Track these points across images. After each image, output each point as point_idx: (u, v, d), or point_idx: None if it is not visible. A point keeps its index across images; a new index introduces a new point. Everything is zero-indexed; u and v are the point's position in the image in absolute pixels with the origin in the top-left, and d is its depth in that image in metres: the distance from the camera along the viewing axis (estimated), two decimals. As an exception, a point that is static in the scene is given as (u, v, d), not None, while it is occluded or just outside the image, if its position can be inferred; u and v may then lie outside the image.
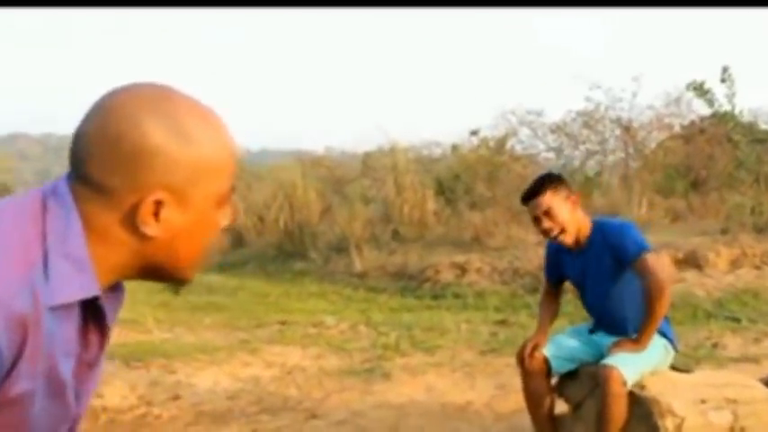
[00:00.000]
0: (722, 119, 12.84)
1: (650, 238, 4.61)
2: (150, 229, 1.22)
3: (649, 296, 3.85)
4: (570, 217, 4.02)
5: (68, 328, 1.21)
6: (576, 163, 15.14)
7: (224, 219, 1.33)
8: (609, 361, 3.80)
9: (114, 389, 6.10)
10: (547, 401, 4.19)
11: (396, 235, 13.77)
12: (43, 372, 1.17)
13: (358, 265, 12.70)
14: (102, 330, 1.29)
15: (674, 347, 4.16)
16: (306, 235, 14.86)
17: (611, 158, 15.41)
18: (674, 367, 4.19)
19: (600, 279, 4.10)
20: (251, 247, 16.83)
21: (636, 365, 3.82)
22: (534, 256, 11.08)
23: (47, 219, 1.19)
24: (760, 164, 12.60)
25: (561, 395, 4.31)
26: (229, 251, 17.57)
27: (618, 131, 14.61)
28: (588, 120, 14.93)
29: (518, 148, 16.11)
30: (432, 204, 14.29)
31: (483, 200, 14.21)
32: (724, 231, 10.73)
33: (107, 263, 1.23)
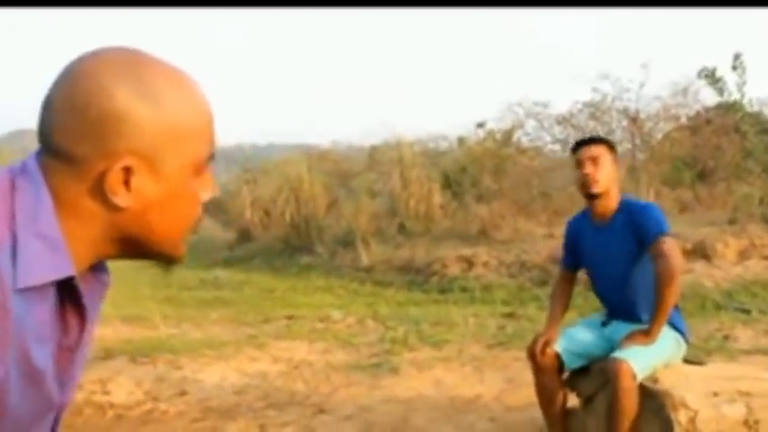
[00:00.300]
0: (731, 108, 12.74)
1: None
2: (121, 198, 1.15)
3: (659, 281, 3.81)
4: (609, 177, 4.09)
5: (42, 312, 1.13)
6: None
7: (204, 191, 1.26)
8: (619, 355, 3.75)
9: (121, 385, 6.08)
10: (559, 397, 4.15)
11: (402, 229, 13.74)
12: (16, 359, 1.09)
13: (364, 259, 12.67)
14: (81, 313, 1.22)
15: (686, 340, 4.10)
16: (312, 229, 14.85)
17: (617, 149, 15.31)
18: (686, 360, 4.13)
19: (618, 260, 4.08)
20: (257, 241, 16.83)
21: (646, 359, 3.77)
22: (542, 248, 11.05)
23: (15, 197, 1.12)
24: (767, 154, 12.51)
25: (572, 389, 4.26)
26: (236, 246, 17.57)
27: (625, 122, 14.51)
28: (595, 111, 14.83)
29: (524, 141, 16.03)
30: (438, 198, 14.26)
31: (489, 193, 14.17)
32: (732, 222, 10.67)
33: (81, 238, 1.17)
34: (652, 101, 14.47)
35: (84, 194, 1.15)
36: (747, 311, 7.78)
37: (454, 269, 11.23)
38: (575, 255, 4.39)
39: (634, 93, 14.30)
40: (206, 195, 1.27)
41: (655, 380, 3.81)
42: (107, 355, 6.75)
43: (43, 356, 1.15)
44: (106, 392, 5.98)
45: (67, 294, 1.18)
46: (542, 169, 15.01)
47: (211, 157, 1.25)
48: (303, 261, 13.94)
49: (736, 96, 12.21)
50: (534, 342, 4.14)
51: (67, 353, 1.23)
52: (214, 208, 21.37)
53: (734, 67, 11.77)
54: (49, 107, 1.16)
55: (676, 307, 4.05)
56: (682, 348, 4.06)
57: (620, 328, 4.07)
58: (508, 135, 15.94)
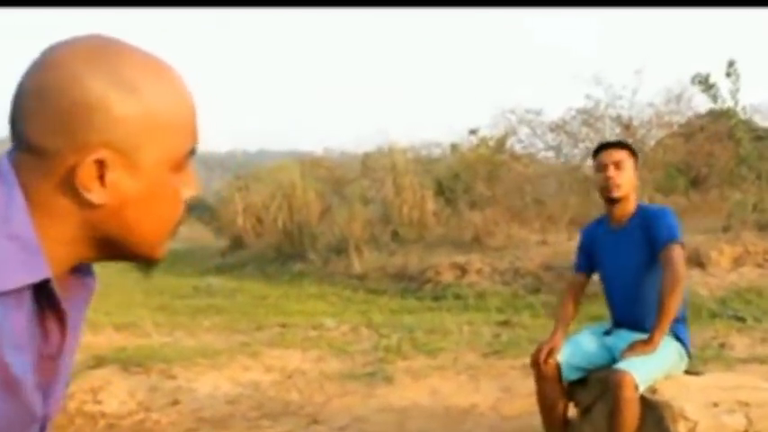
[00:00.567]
0: (724, 115, 12.74)
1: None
2: (95, 195, 1.08)
3: (663, 288, 3.84)
4: (630, 182, 4.15)
5: (18, 318, 1.05)
6: (576, 161, 15.05)
7: (186, 188, 1.19)
8: (621, 365, 3.73)
9: (112, 394, 6.04)
10: (560, 406, 4.14)
11: (395, 236, 13.70)
12: None
13: (357, 267, 12.62)
14: (61, 318, 1.14)
15: (689, 354, 4.09)
16: (305, 236, 14.80)
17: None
18: (684, 370, 4.11)
19: (631, 263, 4.11)
20: (250, 248, 16.78)
21: (648, 370, 3.75)
22: (535, 255, 11.03)
23: None
24: (761, 161, 12.51)
25: (570, 399, 4.23)
26: (228, 253, 17.52)
27: (618, 129, 14.51)
28: (588, 118, 14.85)
29: (517, 148, 16.06)
30: (431, 205, 14.22)
31: (483, 199, 14.15)
32: (726, 229, 10.65)
33: (56, 239, 1.10)
34: (645, 107, 14.52)
35: (56, 191, 1.08)
36: (742, 319, 7.76)
37: (448, 276, 11.19)
38: (589, 258, 4.40)
39: (627, 100, 14.34)
40: (188, 193, 1.20)
41: (654, 391, 3.78)
42: (98, 363, 6.69)
43: (21, 365, 1.06)
44: (98, 402, 5.93)
45: (45, 299, 1.11)
46: (535, 176, 15.02)
47: (193, 151, 1.18)
48: (296, 268, 13.89)
49: (729, 103, 12.20)
50: (538, 350, 4.12)
51: (49, 361, 1.15)
52: (206, 215, 21.33)
53: (728, 74, 11.76)
54: (19, 99, 1.10)
55: (683, 320, 4.05)
56: (683, 361, 4.05)
57: (622, 338, 4.05)
58: (501, 142, 15.95)
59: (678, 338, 4.01)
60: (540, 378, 4.13)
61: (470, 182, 14.71)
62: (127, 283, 11.10)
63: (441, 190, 14.75)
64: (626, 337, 4.03)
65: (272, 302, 11.10)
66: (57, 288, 1.11)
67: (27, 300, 1.07)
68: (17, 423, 1.10)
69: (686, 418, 3.64)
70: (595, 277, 4.49)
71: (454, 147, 16.82)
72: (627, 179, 4.12)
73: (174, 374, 6.49)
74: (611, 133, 14.47)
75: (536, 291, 10.05)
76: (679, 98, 14.42)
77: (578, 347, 4.18)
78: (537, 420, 4.32)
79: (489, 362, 6.73)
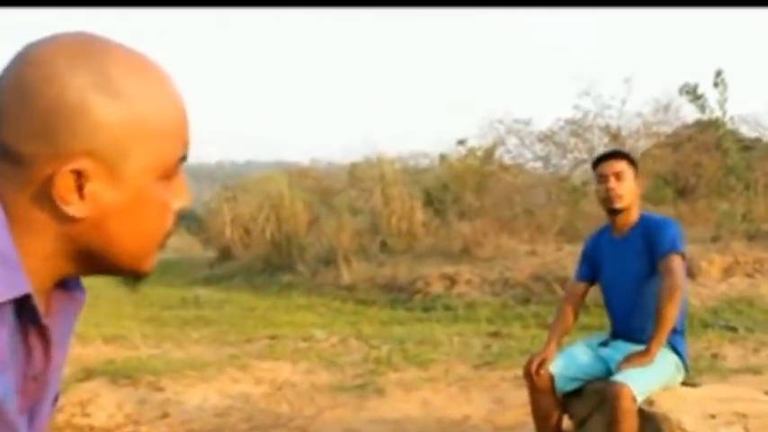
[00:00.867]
0: (712, 125, 12.77)
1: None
2: (73, 208, 1.00)
3: (661, 296, 3.83)
4: (632, 191, 4.14)
5: (1, 334, 0.98)
6: (565, 171, 15.06)
7: (176, 199, 1.10)
8: (618, 377, 3.70)
9: (101, 407, 5.98)
10: (554, 418, 4.11)
11: (384, 246, 13.64)
12: None
13: (346, 278, 12.57)
14: (44, 334, 1.06)
15: (686, 367, 4.07)
16: (293, 247, 14.73)
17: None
18: (681, 382, 4.08)
19: (631, 273, 4.10)
20: (237, 259, 16.70)
21: (646, 381, 3.72)
22: (525, 266, 11.00)
23: None
24: (749, 171, 12.53)
25: (565, 411, 4.19)
26: (216, 264, 17.44)
27: (606, 139, 14.53)
28: (576, 128, 14.87)
29: (506, 158, 16.05)
30: (420, 215, 14.18)
31: (472, 210, 14.12)
32: (715, 239, 10.65)
33: (35, 254, 1.01)
34: (633, 117, 14.54)
35: (33, 203, 1.00)
36: (734, 329, 7.75)
37: (437, 287, 11.15)
38: (591, 267, 4.38)
39: (616, 110, 14.36)
40: (178, 203, 1.11)
41: (651, 402, 3.75)
42: (87, 375, 6.63)
43: (2, 385, 0.99)
44: (86, 415, 5.87)
45: (27, 316, 1.03)
46: (524, 186, 15.01)
47: (183, 158, 1.10)
48: (284, 279, 13.82)
49: (717, 113, 12.22)
50: (530, 361, 4.09)
51: (33, 382, 1.08)
52: (194, 226, 21.25)
53: (715, 84, 11.78)
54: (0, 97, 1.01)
55: (680, 331, 4.03)
56: (680, 374, 4.03)
57: (618, 350, 4.03)
58: (489, 152, 15.94)
59: (675, 350, 3.98)
60: (534, 389, 4.11)
61: (459, 192, 14.69)
62: (115, 295, 11.02)
63: (429, 200, 14.72)
64: (623, 348, 4.01)
65: (261, 314, 11.04)
66: (38, 304, 1.03)
67: (8, 317, 0.99)
68: None
69: (684, 431, 3.61)
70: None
71: (443, 157, 16.79)
72: (628, 189, 4.11)
73: (162, 387, 6.43)
74: (600, 143, 14.50)
75: (526, 301, 10.02)
76: (667, 108, 14.46)
77: (572, 359, 4.15)
78: (530, 431, 4.28)
79: (481, 373, 6.68)
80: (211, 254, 18.67)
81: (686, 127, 14.58)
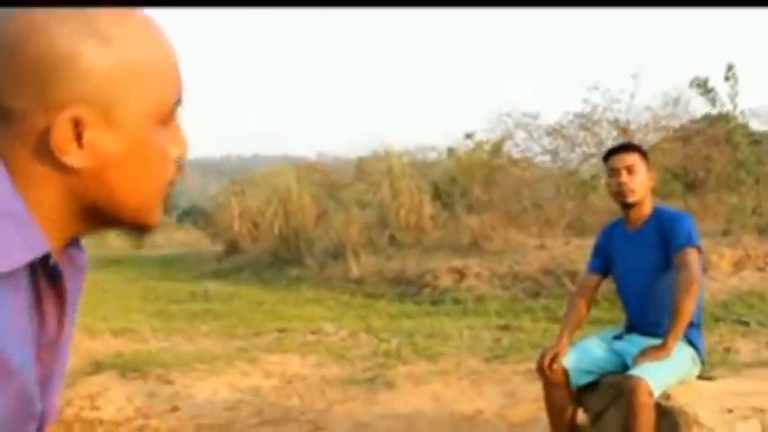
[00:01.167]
0: (723, 119, 12.70)
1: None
2: (72, 158, 0.97)
3: (678, 290, 3.78)
4: (644, 185, 4.10)
5: (17, 302, 0.95)
6: (573, 165, 15.00)
7: (173, 146, 1.08)
8: (635, 371, 3.66)
9: (110, 400, 5.96)
10: (569, 412, 4.07)
11: (393, 240, 13.62)
12: None
13: (355, 271, 12.54)
14: (61, 296, 1.04)
15: (702, 360, 4.03)
16: (301, 241, 14.71)
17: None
18: (697, 375, 4.05)
19: (645, 266, 4.06)
20: (246, 253, 16.69)
21: (662, 376, 3.68)
22: (534, 259, 10.96)
23: None
24: (759, 165, 12.48)
25: (580, 405, 4.15)
26: (224, 258, 17.43)
27: (615, 133, 14.47)
28: (585, 122, 14.81)
29: (514, 152, 15.99)
30: (428, 208, 14.15)
31: (480, 203, 14.08)
32: (726, 233, 10.61)
33: (41, 210, 0.98)
34: (642, 111, 14.47)
35: (32, 158, 0.97)
36: (746, 323, 7.70)
37: (446, 280, 11.12)
38: (604, 259, 4.34)
39: (625, 103, 14.30)
40: (176, 151, 1.09)
41: (667, 397, 3.72)
42: (96, 369, 6.61)
43: (20, 354, 0.96)
44: (95, 408, 5.85)
45: (44, 278, 1.01)
46: (533, 180, 14.97)
47: (179, 103, 1.07)
48: (293, 273, 13.80)
49: (728, 107, 12.15)
50: (543, 356, 4.05)
51: (48, 350, 1.05)
52: (202, 220, 21.24)
53: (726, 78, 11.70)
54: None
55: (697, 325, 3.99)
56: (697, 367, 3.99)
57: (634, 343, 3.99)
58: (498, 146, 15.89)
59: (692, 343, 3.95)
60: (548, 384, 4.07)
61: (467, 186, 14.65)
62: (124, 289, 11.03)
63: (438, 194, 14.69)
64: (638, 342, 3.97)
65: (270, 307, 11.01)
66: (58, 262, 1.00)
67: (23, 282, 0.97)
68: (18, 419, 1.00)
69: (701, 425, 3.58)
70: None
71: (451, 151, 16.75)
72: (640, 183, 4.07)
73: (171, 380, 6.42)
74: (608, 137, 14.44)
75: (536, 295, 9.97)
76: (676, 102, 14.39)
77: (586, 353, 4.11)
78: (544, 426, 4.25)
79: (492, 367, 6.64)
80: (219, 248, 18.67)
81: (694, 121, 14.52)
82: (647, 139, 14.60)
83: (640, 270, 4.08)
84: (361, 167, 17.53)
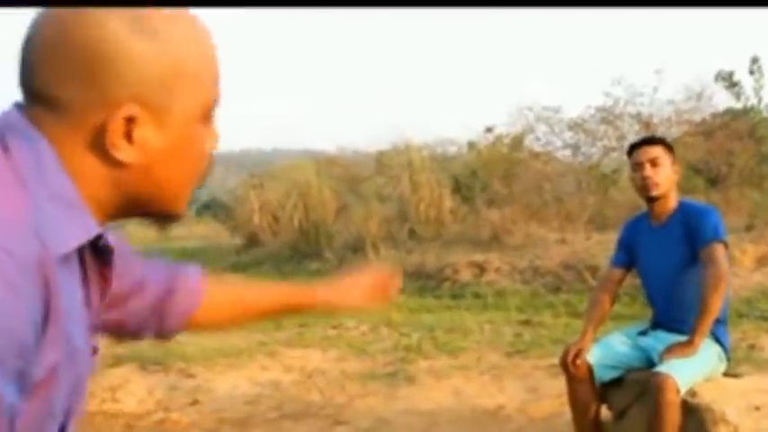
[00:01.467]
0: (746, 113, 12.59)
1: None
2: (123, 153, 1.00)
3: (706, 286, 3.72)
4: (669, 178, 4.03)
5: (72, 284, 0.99)
6: (595, 159, 14.92)
7: (210, 140, 1.11)
8: (661, 368, 3.62)
9: (131, 393, 5.96)
10: (593, 408, 4.03)
11: (412, 234, 13.58)
12: (64, 339, 0.96)
13: (374, 265, 12.50)
14: (106, 278, 1.09)
15: (728, 357, 3.98)
16: (321, 234, 14.69)
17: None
18: (723, 372, 4.00)
19: (670, 261, 4.00)
20: (265, 246, 16.68)
21: (689, 372, 3.64)
22: (555, 254, 10.90)
23: (13, 160, 0.95)
24: (783, 159, 12.38)
25: (604, 402, 4.11)
26: (243, 251, 17.43)
27: (637, 127, 14.38)
28: (607, 115, 14.72)
29: (535, 146, 15.91)
30: (448, 202, 14.10)
31: (500, 197, 14.03)
32: (749, 228, 10.52)
33: (87, 198, 1.01)
34: (665, 105, 14.37)
35: (80, 148, 1.00)
36: (770, 319, 7.64)
37: (466, 275, 11.07)
38: (628, 253, 4.28)
39: (648, 97, 14.20)
40: (210, 146, 1.12)
41: (693, 394, 3.68)
42: (117, 361, 6.61)
43: (78, 333, 1.00)
44: (116, 400, 5.85)
45: (91, 262, 1.05)
46: (554, 174, 14.89)
47: (218, 101, 1.11)
48: (312, 267, 13.78)
49: (753, 101, 12.04)
50: (566, 351, 4.01)
51: (92, 330, 1.08)
52: (222, 213, 21.24)
53: (751, 72, 11.61)
54: (29, 46, 1.00)
55: (723, 321, 3.94)
56: (723, 364, 3.94)
57: (659, 339, 3.94)
58: (518, 140, 15.81)
59: (718, 340, 3.89)
60: (572, 379, 4.03)
61: (488, 180, 14.59)
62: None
63: (458, 188, 14.63)
64: (663, 338, 3.92)
65: (290, 301, 10.99)
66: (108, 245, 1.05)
67: (76, 264, 1.01)
68: (76, 392, 1.04)
69: (727, 422, 3.54)
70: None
71: (471, 144, 16.68)
72: (665, 177, 4.00)
73: (192, 373, 6.41)
74: (630, 131, 14.36)
75: (556, 290, 9.92)
76: (699, 96, 14.27)
77: (610, 348, 4.07)
78: (566, 422, 4.22)
79: (513, 361, 6.61)
80: (238, 241, 18.66)
81: (717, 115, 14.40)
82: (670, 134, 14.49)
83: (665, 265, 4.03)
84: (381, 161, 17.48)
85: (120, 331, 1.42)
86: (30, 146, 0.97)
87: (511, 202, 13.65)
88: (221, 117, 1.14)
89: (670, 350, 3.72)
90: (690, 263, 3.91)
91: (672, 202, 4.07)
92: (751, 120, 12.45)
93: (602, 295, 4.26)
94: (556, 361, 4.28)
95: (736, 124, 13.53)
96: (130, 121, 0.99)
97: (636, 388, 3.87)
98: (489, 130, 16.18)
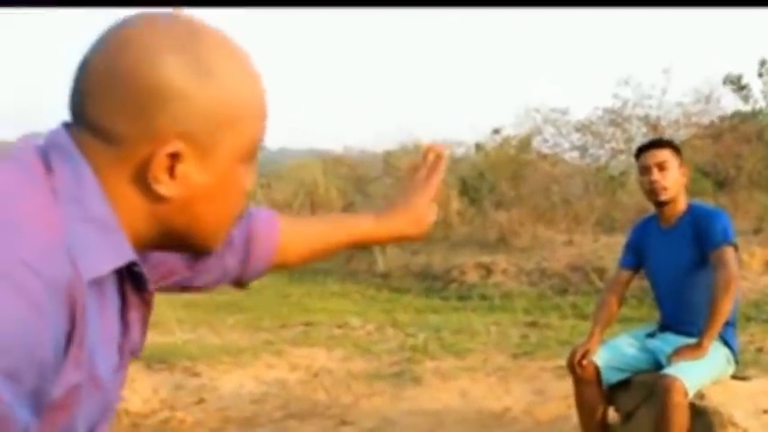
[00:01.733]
0: (754, 116, 12.56)
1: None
2: (164, 187, 1.00)
3: (716, 289, 3.70)
4: (677, 182, 3.99)
5: (104, 310, 0.99)
6: (602, 161, 14.89)
7: (249, 180, 1.11)
8: (669, 370, 3.60)
9: (136, 392, 5.94)
10: (600, 410, 4.01)
11: (419, 234, 13.56)
12: (87, 361, 0.95)
13: (381, 265, 12.51)
14: (145, 303, 1.09)
15: (736, 360, 3.96)
16: (328, 234, 14.66)
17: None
18: (731, 375, 3.98)
19: (679, 264, 3.97)
20: (272, 246, 16.66)
21: (697, 375, 3.62)
22: (562, 256, 10.89)
23: (55, 179, 0.96)
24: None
25: (611, 404, 4.09)
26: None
27: (645, 129, 14.35)
28: (615, 118, 14.69)
29: (542, 147, 15.89)
30: (455, 204, 14.10)
31: (507, 199, 14.02)
32: (757, 232, 10.50)
33: (124, 226, 1.01)
34: (673, 107, 14.35)
35: (123, 179, 1.00)
36: (778, 323, 7.61)
37: (473, 276, 11.07)
38: (637, 255, 4.25)
39: (656, 99, 14.18)
40: (249, 185, 1.12)
41: (702, 396, 3.66)
42: (122, 360, 6.60)
43: (104, 361, 1.00)
44: (121, 399, 5.84)
45: (130, 286, 1.05)
46: (561, 176, 14.87)
47: (261, 142, 1.11)
48: (319, 266, 13.76)
49: (761, 104, 12.02)
50: (573, 353, 3.99)
51: (128, 356, 1.08)
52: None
53: (759, 74, 11.58)
54: (84, 73, 1.00)
55: (732, 324, 3.92)
56: (731, 367, 3.92)
57: (668, 342, 3.92)
58: (526, 141, 15.79)
59: (726, 343, 3.87)
60: (579, 381, 4.01)
61: (495, 181, 14.58)
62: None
63: (465, 189, 14.61)
64: (672, 340, 3.91)
65: (296, 300, 11.00)
66: (143, 270, 1.04)
67: (111, 288, 1.01)
68: (101, 414, 1.05)
69: (735, 425, 3.52)
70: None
71: (478, 146, 16.67)
72: (672, 180, 3.97)
73: (198, 372, 6.40)
74: (638, 133, 14.33)
75: (563, 292, 9.91)
76: (708, 98, 14.24)
77: (617, 351, 4.05)
78: (573, 424, 4.21)
79: (520, 363, 6.59)
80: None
81: (725, 118, 14.37)
82: (678, 136, 14.45)
83: (674, 267, 4.00)
84: (388, 161, 17.47)
85: (189, 288, 1.40)
86: (73, 168, 0.97)
87: (518, 203, 13.65)
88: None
89: (678, 352, 3.70)
90: (699, 265, 3.89)
91: (681, 204, 4.04)
92: (759, 123, 12.42)
93: (609, 297, 4.25)
94: (563, 363, 4.26)
95: (745, 127, 13.50)
96: (174, 156, 0.99)
97: (643, 390, 3.85)
98: (497, 131, 16.18)
